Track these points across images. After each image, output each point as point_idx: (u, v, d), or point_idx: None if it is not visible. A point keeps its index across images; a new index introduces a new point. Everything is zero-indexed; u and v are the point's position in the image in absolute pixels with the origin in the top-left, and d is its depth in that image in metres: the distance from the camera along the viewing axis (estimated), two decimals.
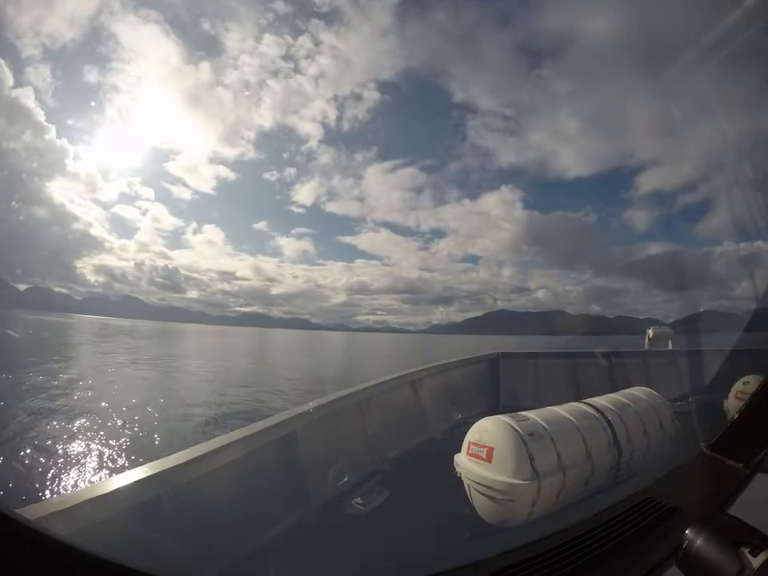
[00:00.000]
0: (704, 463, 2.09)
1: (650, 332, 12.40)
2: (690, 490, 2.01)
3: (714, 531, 0.99)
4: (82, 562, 0.72)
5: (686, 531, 1.02)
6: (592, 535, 1.47)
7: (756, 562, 0.91)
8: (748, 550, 0.93)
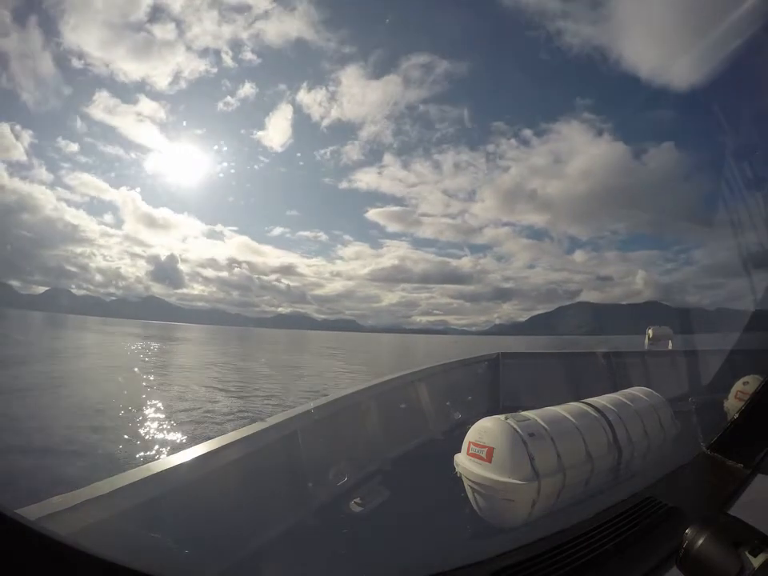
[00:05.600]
0: (704, 463, 2.09)
1: (650, 332, 12.40)
2: (690, 490, 2.02)
3: (714, 531, 0.99)
4: (82, 562, 0.72)
5: (686, 531, 1.02)
6: (592, 535, 1.48)
7: (756, 562, 0.91)
8: (748, 550, 0.93)
